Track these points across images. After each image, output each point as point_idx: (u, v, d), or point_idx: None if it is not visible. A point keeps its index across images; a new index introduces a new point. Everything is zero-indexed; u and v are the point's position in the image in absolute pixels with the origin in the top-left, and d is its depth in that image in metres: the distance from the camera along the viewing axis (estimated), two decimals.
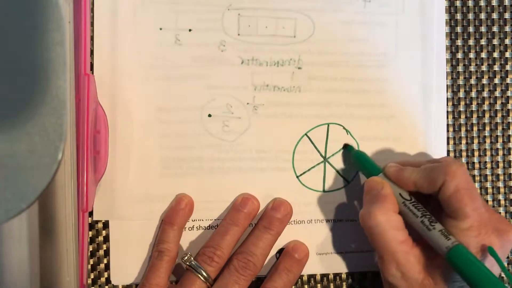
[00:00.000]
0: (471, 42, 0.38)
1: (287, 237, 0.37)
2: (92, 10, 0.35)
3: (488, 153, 0.39)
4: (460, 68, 0.38)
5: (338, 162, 0.37)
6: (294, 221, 0.37)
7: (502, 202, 0.39)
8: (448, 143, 0.38)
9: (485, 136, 0.39)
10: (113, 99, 0.36)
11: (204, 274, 0.34)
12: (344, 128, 0.37)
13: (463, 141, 0.39)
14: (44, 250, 0.28)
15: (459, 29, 0.38)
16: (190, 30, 0.36)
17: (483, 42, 0.39)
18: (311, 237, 0.37)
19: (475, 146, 0.39)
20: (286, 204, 0.36)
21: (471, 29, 0.38)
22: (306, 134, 0.37)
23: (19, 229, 0.27)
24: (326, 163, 0.37)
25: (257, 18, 0.37)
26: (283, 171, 0.37)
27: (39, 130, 0.23)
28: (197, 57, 0.36)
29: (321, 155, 0.37)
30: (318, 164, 0.37)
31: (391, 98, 0.37)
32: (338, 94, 0.37)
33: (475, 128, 0.39)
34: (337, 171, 0.37)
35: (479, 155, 0.39)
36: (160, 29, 0.36)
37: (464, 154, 0.39)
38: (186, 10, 0.36)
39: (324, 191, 0.37)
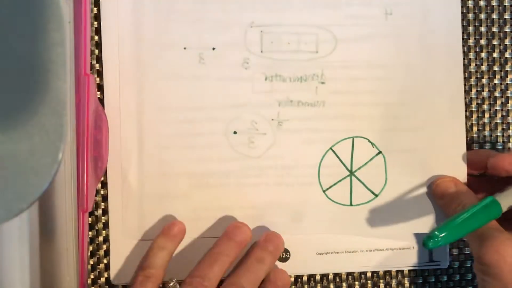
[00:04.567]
0: (470, 42, 0.38)
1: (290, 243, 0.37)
2: (98, 17, 0.35)
3: None
4: None
5: (364, 175, 0.37)
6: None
7: None
8: None
9: (485, 136, 0.39)
10: (113, 99, 0.36)
11: None
12: (369, 141, 0.37)
13: None
14: (44, 250, 0.28)
15: None
16: (213, 48, 0.36)
17: (482, 42, 0.39)
18: (311, 237, 0.37)
19: (474, 146, 0.39)
20: (279, 237, 0.35)
21: (470, 29, 0.38)
22: (331, 148, 0.37)
23: (19, 229, 0.27)
24: (353, 177, 0.37)
25: (279, 34, 0.36)
26: (309, 186, 0.37)
27: (40, 130, 0.23)
28: (221, 76, 0.36)
29: (347, 168, 0.37)
30: (344, 178, 0.37)
31: (416, 109, 0.37)
32: (362, 107, 0.37)
33: (475, 128, 0.39)
34: (364, 185, 0.37)
35: None
36: (184, 48, 0.36)
37: None
38: (209, 28, 0.36)
39: (351, 205, 0.37)
